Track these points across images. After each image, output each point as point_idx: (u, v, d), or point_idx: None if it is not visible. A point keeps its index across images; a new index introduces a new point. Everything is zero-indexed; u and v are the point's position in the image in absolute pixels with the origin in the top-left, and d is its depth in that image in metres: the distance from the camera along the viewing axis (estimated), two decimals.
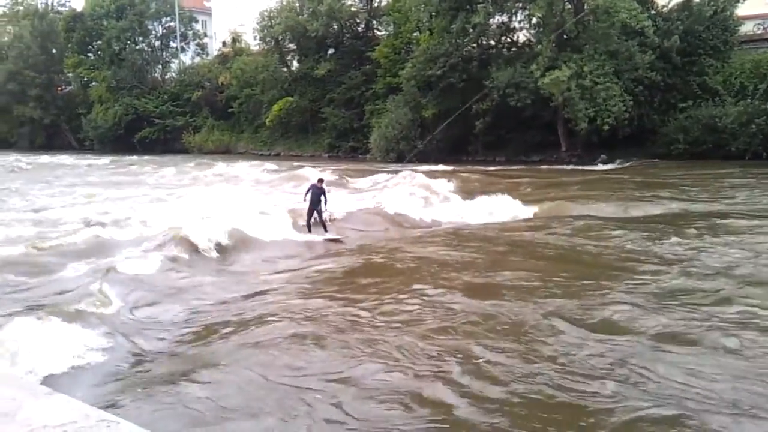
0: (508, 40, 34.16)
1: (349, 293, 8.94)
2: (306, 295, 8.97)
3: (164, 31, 56.54)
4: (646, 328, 6.96)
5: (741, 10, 29.79)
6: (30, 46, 57.92)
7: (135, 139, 51.70)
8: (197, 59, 57.28)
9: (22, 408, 2.53)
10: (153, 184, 25.16)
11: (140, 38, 55.09)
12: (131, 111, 51.92)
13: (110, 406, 5.30)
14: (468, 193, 18.76)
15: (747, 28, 31.13)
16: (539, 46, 29.34)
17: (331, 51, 43.96)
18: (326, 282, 9.88)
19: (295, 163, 33.53)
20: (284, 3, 44.04)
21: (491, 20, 31.61)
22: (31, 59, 57.73)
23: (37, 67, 57.97)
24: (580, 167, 27.59)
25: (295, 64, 46.72)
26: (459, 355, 6.32)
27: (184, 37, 56.93)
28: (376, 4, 43.33)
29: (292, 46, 45.54)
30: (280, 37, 44.32)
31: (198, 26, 59.11)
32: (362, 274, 10.25)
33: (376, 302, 8.34)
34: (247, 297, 8.98)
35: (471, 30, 30.96)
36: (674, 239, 11.37)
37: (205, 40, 59.27)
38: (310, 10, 42.03)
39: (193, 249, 11.51)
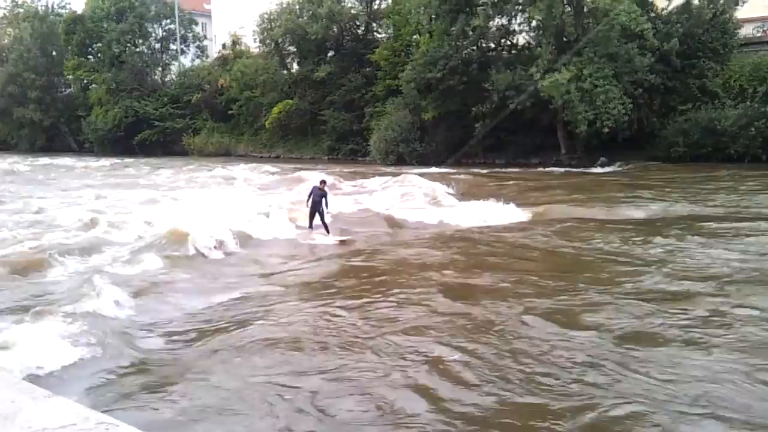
0: (508, 42, 34.23)
1: (340, 296, 9.00)
2: (298, 298, 8.99)
3: (164, 33, 56.58)
4: (617, 327, 7.12)
5: (740, 13, 29.86)
6: (30, 48, 57.94)
7: (135, 141, 51.71)
8: (197, 62, 57.31)
9: (22, 411, 2.53)
10: (152, 186, 25.13)
11: (140, 41, 55.10)
12: (131, 113, 51.91)
13: (107, 408, 5.29)
14: (465, 195, 18.81)
15: (746, 31, 31.17)
16: (539, 49, 29.37)
17: (331, 53, 43.99)
18: (321, 284, 9.90)
19: (295, 166, 33.59)
20: (284, 5, 44.10)
21: (491, 23, 31.65)
22: (31, 61, 57.74)
23: (37, 70, 57.98)
24: (579, 170, 27.65)
25: (295, 66, 46.76)
26: (432, 354, 6.41)
27: (184, 40, 56.99)
28: (375, 7, 43.36)
29: (292, 48, 45.56)
30: (280, 40, 44.35)
31: (198, 29, 59.15)
32: (352, 276, 10.33)
33: (361, 303, 8.45)
34: (241, 299, 9.00)
35: (471, 33, 31.02)
36: (658, 240, 11.63)
37: (205, 42, 59.32)
38: (310, 12, 42.06)
39: (192, 250, 11.51)
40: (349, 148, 40.77)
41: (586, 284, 9.03)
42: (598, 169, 27.73)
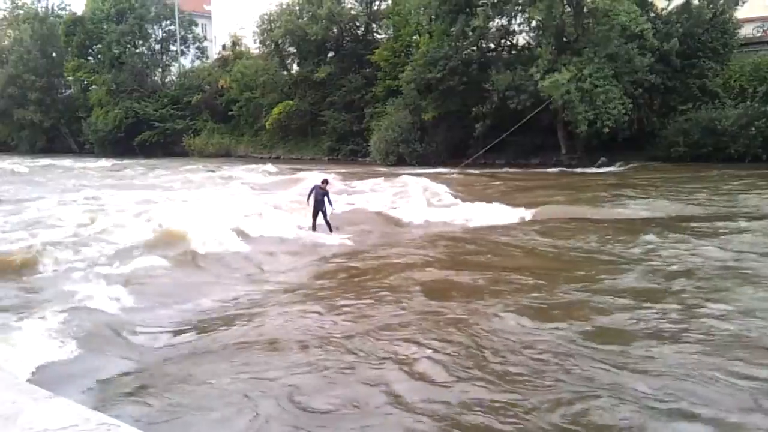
0: (508, 43, 34.25)
1: (327, 295, 9.13)
2: (286, 298, 9.04)
3: (164, 34, 56.56)
4: (589, 323, 7.24)
5: (740, 13, 29.87)
6: (30, 49, 57.95)
7: (135, 142, 51.72)
8: (197, 63, 57.32)
9: (23, 412, 2.53)
10: (150, 186, 25.15)
11: (140, 42, 55.10)
12: (131, 114, 51.92)
13: (107, 408, 5.30)
14: (464, 196, 18.84)
15: (746, 31, 31.19)
16: (539, 49, 29.39)
17: (331, 54, 44.00)
18: (311, 284, 9.98)
19: (295, 167, 33.60)
20: (284, 6, 44.11)
21: (491, 23, 31.65)
22: (32, 63, 57.75)
23: (38, 71, 57.99)
24: (579, 170, 27.68)
25: (295, 67, 46.77)
26: (407, 351, 6.51)
27: (184, 41, 57.00)
28: (375, 8, 43.36)
29: (292, 49, 45.56)
30: (280, 41, 44.36)
31: (198, 30, 59.15)
32: (342, 276, 10.45)
33: (348, 303, 8.57)
34: (235, 299, 9.06)
35: (471, 33, 31.04)
36: (642, 239, 11.81)
37: (205, 43, 59.32)
38: (310, 13, 42.08)
39: (189, 250, 11.48)
40: (349, 149, 40.77)
41: (564, 282, 9.17)
42: (599, 169, 27.74)
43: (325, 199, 13.80)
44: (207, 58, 58.16)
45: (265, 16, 44.54)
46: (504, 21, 32.64)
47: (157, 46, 56.66)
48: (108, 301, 8.30)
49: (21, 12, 62.86)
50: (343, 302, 8.62)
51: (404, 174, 23.97)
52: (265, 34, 44.60)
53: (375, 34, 43.46)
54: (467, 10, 31.27)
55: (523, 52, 32.93)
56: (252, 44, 48.52)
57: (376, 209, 16.73)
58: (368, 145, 37.08)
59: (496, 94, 29.52)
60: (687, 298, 8.14)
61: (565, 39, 29.19)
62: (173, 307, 8.67)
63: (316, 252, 12.54)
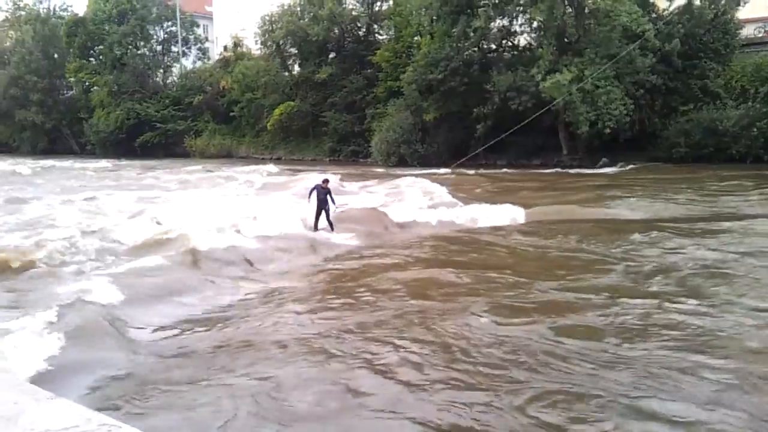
0: (509, 43, 34.25)
1: (314, 297, 9.24)
2: (273, 300, 9.07)
3: (166, 35, 56.60)
4: (561, 321, 7.39)
5: (742, 14, 29.85)
6: (32, 50, 58.03)
7: (137, 143, 51.75)
8: (199, 64, 57.38)
9: (25, 412, 2.53)
10: (151, 187, 25.18)
11: (142, 43, 55.18)
12: (133, 115, 51.97)
13: (106, 409, 5.31)
14: (461, 196, 18.92)
15: (748, 32, 31.17)
16: (540, 50, 29.39)
17: (332, 55, 44.02)
18: (302, 286, 10.01)
19: (294, 168, 33.62)
20: (285, 7, 44.11)
21: (492, 24, 31.64)
22: (33, 64, 57.80)
23: (39, 72, 58.04)
24: (581, 171, 27.64)
25: (297, 68, 46.79)
26: (380, 351, 6.63)
27: (185, 42, 57.04)
28: (377, 9, 43.38)
29: (294, 50, 45.59)
30: (281, 42, 44.39)
31: (199, 31, 59.22)
32: (332, 279, 10.54)
33: (333, 306, 8.66)
34: (230, 300, 9.10)
35: (472, 34, 31.02)
36: (628, 239, 12.01)
37: (207, 44, 59.40)
38: (311, 14, 42.12)
39: (189, 250, 11.46)
40: (350, 150, 40.77)
41: (544, 281, 9.33)
42: (600, 170, 27.71)
43: (328, 198, 13.84)
44: (208, 59, 58.21)
45: (267, 17, 44.55)
46: (505, 22, 32.66)
47: (159, 47, 56.74)
48: (105, 301, 8.31)
49: (23, 13, 62.94)
50: (325, 303, 8.74)
51: (404, 175, 24.00)
52: (267, 35, 44.61)
53: (376, 35, 43.48)
54: (468, 11, 31.29)
55: (525, 52, 32.93)
56: (253, 45, 48.54)
57: (370, 209, 16.74)
58: (369, 146, 37.07)
59: (498, 95, 29.52)
60: (663, 295, 8.29)
61: (566, 40, 29.19)
62: (169, 307, 8.70)
63: (313, 252, 12.60)
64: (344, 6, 42.40)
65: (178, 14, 55.44)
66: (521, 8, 30.90)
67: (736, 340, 6.61)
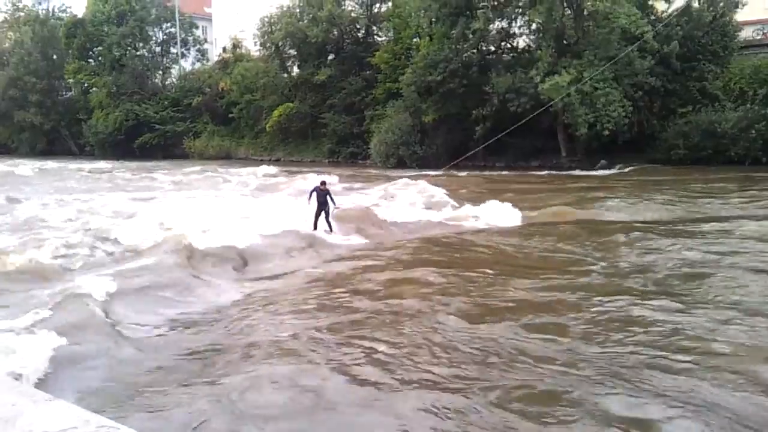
0: (508, 45, 34.30)
1: (303, 299, 9.19)
2: (258, 303, 9.08)
3: (165, 37, 56.69)
4: (527, 320, 7.44)
5: (740, 16, 29.90)
6: (31, 52, 58.06)
7: (135, 144, 51.77)
8: (197, 65, 57.47)
9: (23, 414, 2.52)
10: (148, 188, 25.18)
11: (141, 44, 55.24)
12: (132, 117, 52.01)
13: (103, 411, 5.30)
14: (457, 198, 18.93)
15: (746, 34, 31.23)
16: (539, 52, 29.44)
17: (331, 57, 44.08)
18: (285, 288, 9.99)
19: (296, 169, 33.62)
20: (284, 9, 44.17)
21: (491, 26, 31.70)
22: (32, 65, 57.84)
23: (38, 73, 58.08)
24: (579, 173, 27.65)
25: (296, 69, 46.84)
26: (351, 351, 6.70)
27: (184, 43, 57.10)
28: (376, 10, 43.46)
29: (293, 51, 45.64)
30: (280, 43, 44.43)
31: (198, 32, 59.30)
32: (322, 282, 10.42)
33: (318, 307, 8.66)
34: (225, 302, 9.10)
35: (471, 36, 31.07)
36: (614, 239, 12.08)
37: (206, 45, 59.49)
38: (311, 16, 42.16)
39: (185, 252, 11.41)
40: (349, 151, 40.81)
41: (520, 279, 9.42)
42: (598, 172, 27.73)
43: (328, 198, 13.96)
44: (207, 60, 58.28)
45: (266, 19, 44.61)
46: (504, 24, 32.72)
47: (158, 49, 56.79)
48: (99, 301, 8.25)
49: (22, 14, 63.02)
50: (304, 304, 8.75)
51: (402, 176, 24.00)
52: (266, 37, 44.67)
53: (375, 36, 43.55)
54: (467, 12, 31.33)
55: (524, 54, 32.98)
56: (252, 46, 48.64)
57: (364, 209, 16.78)
58: (368, 148, 37.10)
59: (497, 97, 29.54)
60: (637, 294, 8.35)
61: (565, 42, 29.24)
62: (161, 308, 8.71)
63: (303, 252, 12.65)
64: (343, 8, 42.46)
65: (177, 15, 55.47)
66: (520, 10, 30.97)
67: (704, 340, 6.63)
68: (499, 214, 15.61)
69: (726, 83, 28.90)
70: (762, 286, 8.59)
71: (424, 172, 27.93)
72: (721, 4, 29.16)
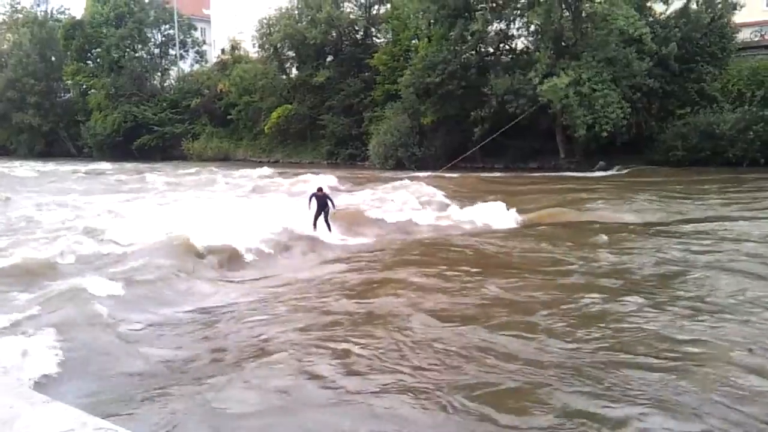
0: (507, 47, 34.31)
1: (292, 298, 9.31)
2: (246, 304, 9.12)
3: (163, 38, 56.66)
4: (497, 319, 7.58)
5: (738, 18, 29.97)
6: (29, 53, 57.98)
7: (134, 146, 51.70)
8: (196, 67, 57.42)
9: (20, 416, 2.51)
10: (147, 189, 25.17)
11: (139, 46, 55.18)
12: (130, 118, 51.94)
13: (102, 413, 5.29)
14: (452, 199, 19.00)
15: (744, 35, 31.28)
16: (537, 54, 29.44)
17: (329, 58, 44.08)
18: (278, 291, 10.01)
19: (295, 171, 33.59)
20: (283, 11, 44.19)
21: (489, 28, 31.70)
22: (30, 67, 57.75)
23: (36, 75, 57.99)
24: (578, 174, 27.65)
25: (294, 71, 46.81)
26: (323, 353, 6.76)
27: (183, 45, 57.08)
28: (374, 12, 43.47)
29: (291, 53, 45.63)
30: (278, 45, 44.43)
31: (197, 34, 59.29)
32: (314, 282, 10.50)
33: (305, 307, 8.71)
34: (221, 304, 9.13)
35: (469, 37, 31.05)
36: (596, 240, 12.15)
37: (204, 47, 59.45)
38: (309, 17, 42.17)
39: (192, 254, 11.47)
40: (348, 153, 40.81)
41: (498, 279, 9.50)
42: (597, 174, 27.74)
43: (327, 201, 14.28)
44: (206, 62, 58.25)
45: (264, 20, 44.62)
46: (503, 25, 32.73)
47: (156, 50, 56.77)
48: (96, 302, 8.26)
49: (20, 16, 62.95)
50: (285, 306, 8.77)
51: (400, 177, 24.02)
52: (264, 38, 44.68)
53: (374, 38, 43.55)
54: (466, 14, 31.33)
55: (522, 56, 32.99)
56: (251, 48, 48.64)
57: (359, 210, 16.92)
58: (367, 149, 37.10)
59: (495, 99, 29.55)
60: (609, 294, 8.43)
61: (563, 43, 29.27)
62: (159, 310, 8.73)
63: (295, 252, 12.85)
64: (342, 9, 42.46)
65: (175, 17, 55.45)
66: (519, 12, 30.99)
67: (671, 340, 6.68)
68: (494, 216, 15.70)
69: (724, 85, 28.94)
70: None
71: (422, 174, 27.91)
72: (719, 6, 29.21)
